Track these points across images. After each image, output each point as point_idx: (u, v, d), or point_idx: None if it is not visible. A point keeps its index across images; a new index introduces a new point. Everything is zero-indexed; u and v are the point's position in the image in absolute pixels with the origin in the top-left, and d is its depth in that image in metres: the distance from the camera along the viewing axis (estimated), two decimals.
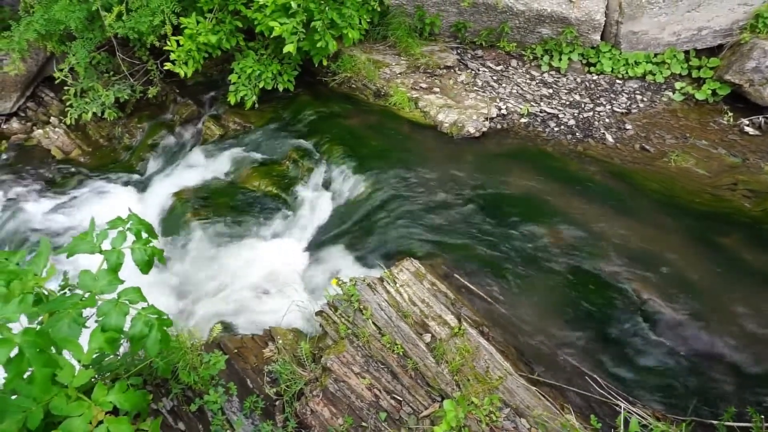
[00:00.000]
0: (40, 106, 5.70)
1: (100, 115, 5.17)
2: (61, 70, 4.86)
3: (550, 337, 3.19)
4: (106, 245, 1.96)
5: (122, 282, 1.90)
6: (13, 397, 1.63)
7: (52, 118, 5.53)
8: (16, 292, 1.56)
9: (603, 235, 3.68)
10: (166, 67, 4.69)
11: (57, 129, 5.41)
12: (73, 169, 5.13)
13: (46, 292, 1.75)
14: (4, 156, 5.24)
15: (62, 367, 1.59)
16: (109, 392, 1.73)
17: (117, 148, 5.40)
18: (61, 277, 2.13)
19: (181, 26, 4.54)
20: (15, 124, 5.53)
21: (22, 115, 5.64)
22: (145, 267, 2.02)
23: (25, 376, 1.51)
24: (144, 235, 2.00)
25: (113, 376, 2.39)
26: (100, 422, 1.72)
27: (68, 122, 5.14)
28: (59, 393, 1.63)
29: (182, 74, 4.67)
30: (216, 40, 4.60)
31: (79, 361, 1.82)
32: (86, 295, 1.85)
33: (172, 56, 4.59)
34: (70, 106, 5.12)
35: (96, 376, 2.23)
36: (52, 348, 1.58)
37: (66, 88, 5.07)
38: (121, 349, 2.47)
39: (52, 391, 1.60)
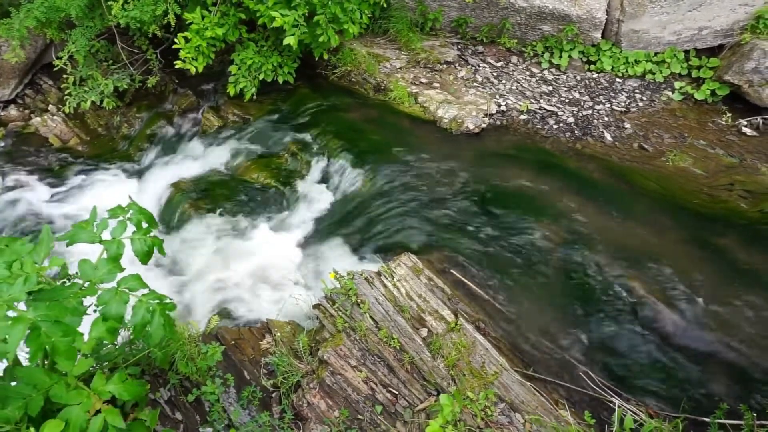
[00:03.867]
0: (39, 93, 5.67)
1: (98, 103, 5.15)
2: (61, 58, 4.83)
3: (545, 333, 3.21)
4: (106, 235, 1.96)
5: (122, 270, 1.90)
6: (13, 384, 1.64)
7: (50, 105, 5.50)
8: (19, 273, 1.56)
9: (599, 233, 3.70)
10: (176, 66, 4.63)
11: (55, 117, 5.39)
12: (70, 158, 5.12)
13: (46, 281, 1.75)
14: (2, 143, 5.22)
15: (81, 334, 1.58)
16: (108, 382, 1.74)
17: (115, 137, 5.39)
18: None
19: (187, 21, 4.51)
20: (13, 111, 5.51)
21: (20, 102, 5.61)
22: (145, 257, 2.02)
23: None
24: (144, 225, 2.00)
25: (111, 366, 2.40)
26: (98, 411, 1.73)
27: (67, 110, 5.12)
28: (59, 381, 1.64)
29: (193, 70, 4.63)
30: (222, 33, 4.58)
31: (78, 350, 1.82)
32: (86, 284, 1.85)
33: (181, 54, 4.55)
34: (69, 94, 5.09)
35: (94, 365, 2.23)
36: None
37: (65, 76, 5.04)
38: (119, 339, 2.48)
39: (76, 359, 1.59)
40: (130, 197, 2.13)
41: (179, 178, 4.72)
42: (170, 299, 1.88)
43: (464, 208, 3.96)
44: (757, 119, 4.65)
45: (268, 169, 4.61)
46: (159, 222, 4.48)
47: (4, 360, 1.61)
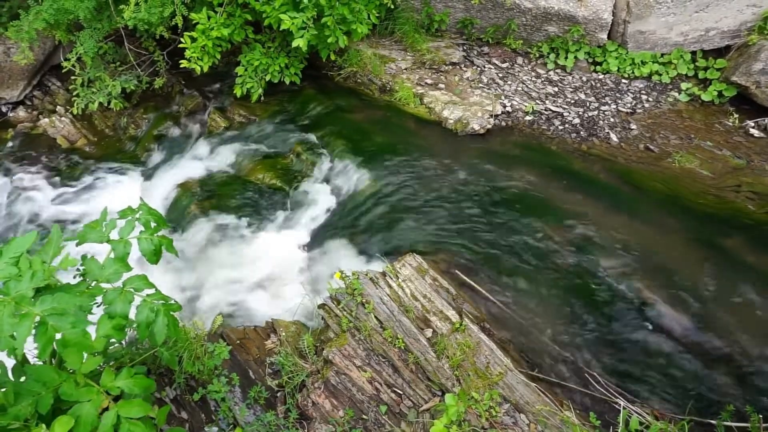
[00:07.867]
0: (47, 94, 5.71)
1: (106, 105, 5.19)
2: (69, 60, 4.87)
3: (550, 334, 3.21)
4: (114, 235, 1.98)
5: (130, 269, 1.92)
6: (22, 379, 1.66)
7: (58, 107, 5.54)
8: (26, 270, 1.58)
9: (605, 234, 3.69)
10: (182, 65, 4.65)
11: (63, 118, 5.43)
12: (78, 159, 5.15)
13: (56, 280, 1.77)
14: (10, 144, 5.26)
15: (90, 325, 1.59)
16: (116, 378, 1.75)
17: (122, 138, 5.42)
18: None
19: (193, 22, 4.53)
20: (21, 112, 5.55)
21: (29, 103, 5.65)
22: (153, 257, 2.04)
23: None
24: (153, 224, 2.02)
25: (118, 365, 2.42)
26: (106, 408, 1.75)
27: (74, 111, 5.16)
28: (68, 378, 1.66)
29: (198, 70, 4.65)
30: (228, 33, 4.60)
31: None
32: (93, 283, 1.87)
33: (187, 53, 4.57)
34: (77, 95, 5.13)
35: (101, 364, 2.25)
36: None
37: (73, 77, 5.08)
38: (126, 339, 2.50)
39: (89, 350, 1.59)
40: (141, 198, 2.15)
41: (186, 178, 4.75)
42: (175, 300, 1.89)
43: (469, 209, 3.96)
44: (764, 120, 4.62)
45: (273, 169, 4.62)
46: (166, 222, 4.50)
47: (12, 357, 1.63)
